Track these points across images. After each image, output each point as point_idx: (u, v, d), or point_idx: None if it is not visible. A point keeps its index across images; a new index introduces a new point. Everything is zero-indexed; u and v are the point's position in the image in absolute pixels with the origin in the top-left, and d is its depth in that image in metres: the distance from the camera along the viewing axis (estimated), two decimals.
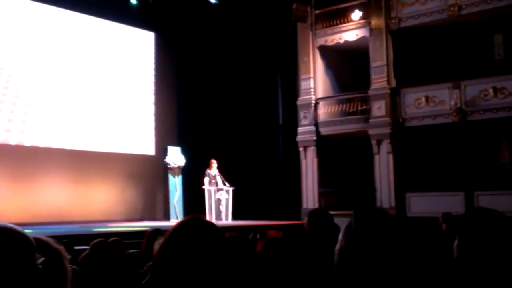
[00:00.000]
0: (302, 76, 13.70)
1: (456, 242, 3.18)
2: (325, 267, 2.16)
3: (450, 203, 10.87)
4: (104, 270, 3.42)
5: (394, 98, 12.30)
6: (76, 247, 5.09)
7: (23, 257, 1.09)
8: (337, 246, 1.60)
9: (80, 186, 12.72)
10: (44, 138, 12.36)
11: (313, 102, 13.43)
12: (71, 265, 1.39)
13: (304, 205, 13.27)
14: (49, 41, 12.86)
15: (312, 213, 3.07)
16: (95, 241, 3.56)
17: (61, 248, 1.22)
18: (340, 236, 1.61)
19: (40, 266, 1.13)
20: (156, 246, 3.49)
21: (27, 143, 12.05)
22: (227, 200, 12.00)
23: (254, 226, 9.09)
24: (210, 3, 13.40)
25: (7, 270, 1.06)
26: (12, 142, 11.81)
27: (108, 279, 3.41)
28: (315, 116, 13.35)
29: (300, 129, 13.53)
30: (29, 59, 12.43)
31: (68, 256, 1.24)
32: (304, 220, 3.14)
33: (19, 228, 1.14)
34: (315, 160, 13.31)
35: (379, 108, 12.33)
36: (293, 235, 2.34)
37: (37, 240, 1.15)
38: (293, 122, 13.69)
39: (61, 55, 13.04)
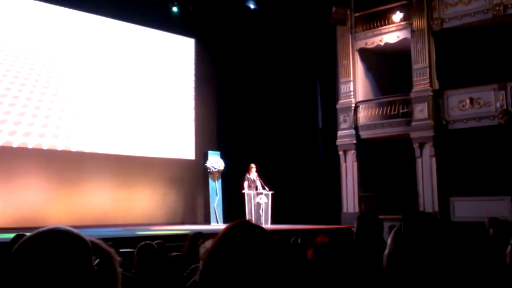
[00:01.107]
0: (342, 80, 13.59)
1: (509, 248, 3.06)
2: (374, 272, 2.14)
3: (495, 207, 10.55)
4: (149, 271, 3.49)
5: (437, 100, 12.05)
6: (120, 250, 5.20)
7: (81, 258, 1.11)
8: (386, 251, 1.57)
9: (124, 190, 13.02)
10: (90, 144, 12.73)
11: (353, 105, 13.30)
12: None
13: (344, 209, 13.15)
14: (93, 49, 13.26)
15: (361, 217, 3.01)
16: (142, 243, 3.64)
17: (111, 250, 1.22)
18: (389, 241, 1.57)
19: (96, 268, 1.15)
20: (201, 249, 3.52)
21: (73, 148, 12.44)
22: (266, 204, 11.99)
23: (294, 230, 9.07)
24: (249, 8, 13.49)
25: (66, 271, 1.08)
26: (60, 147, 12.22)
27: (153, 280, 3.48)
28: (355, 120, 13.21)
29: (340, 132, 13.42)
30: (75, 68, 12.85)
31: (119, 258, 1.24)
32: (350, 224, 3.11)
33: (76, 231, 1.16)
34: (355, 164, 13.17)
35: (421, 111, 12.09)
36: (342, 240, 2.31)
37: (91, 242, 1.17)
38: (333, 126, 13.60)
39: (105, 63, 13.42)
